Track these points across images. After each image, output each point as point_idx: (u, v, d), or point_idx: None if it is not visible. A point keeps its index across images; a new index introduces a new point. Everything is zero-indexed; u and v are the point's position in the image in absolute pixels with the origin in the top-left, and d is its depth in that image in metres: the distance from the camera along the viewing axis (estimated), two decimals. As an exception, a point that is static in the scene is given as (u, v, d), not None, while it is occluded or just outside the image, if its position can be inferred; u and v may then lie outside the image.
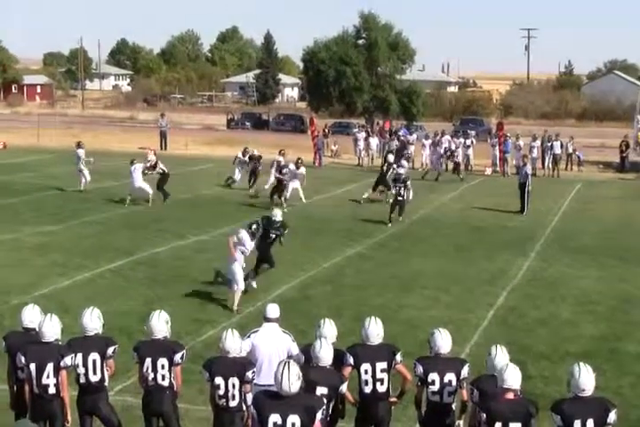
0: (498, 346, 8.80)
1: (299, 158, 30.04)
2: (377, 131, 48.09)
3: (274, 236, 17.59)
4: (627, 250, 22.95)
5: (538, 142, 41.70)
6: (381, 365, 8.96)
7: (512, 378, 7.93)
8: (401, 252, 21.88)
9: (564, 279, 19.32)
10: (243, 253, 16.20)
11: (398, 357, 9.06)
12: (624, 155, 44.09)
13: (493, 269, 20.08)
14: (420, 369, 8.82)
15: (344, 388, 8.68)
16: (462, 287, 18.25)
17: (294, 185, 29.20)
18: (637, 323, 16.02)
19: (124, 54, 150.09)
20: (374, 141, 44.41)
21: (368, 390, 9.01)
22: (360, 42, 67.11)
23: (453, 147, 39.84)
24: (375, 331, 9.09)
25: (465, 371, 8.78)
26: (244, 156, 32.71)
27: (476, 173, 40.14)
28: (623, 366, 13.54)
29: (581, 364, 7.99)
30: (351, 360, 8.98)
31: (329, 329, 9.20)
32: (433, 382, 8.76)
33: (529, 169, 29.81)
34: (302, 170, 29.62)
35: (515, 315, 16.31)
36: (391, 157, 31.75)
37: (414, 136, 45.44)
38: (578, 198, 33.29)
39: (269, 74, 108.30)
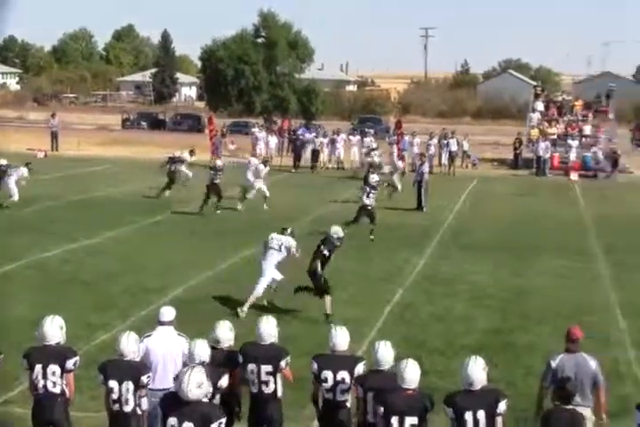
0: (382, 342, 8.87)
1: (265, 157, 29.86)
2: (276, 130, 48.15)
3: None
4: (519, 245, 23.45)
5: (434, 140, 42.31)
6: (266, 367, 8.95)
7: (411, 377, 8.06)
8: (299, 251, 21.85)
9: (459, 275, 19.63)
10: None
11: (283, 363, 9.02)
12: (517, 152, 45.05)
13: (390, 267, 20.28)
14: (314, 366, 8.87)
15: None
16: (360, 285, 18.37)
17: (259, 185, 28.64)
18: (529, 316, 16.40)
19: (12, 51, 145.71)
20: (273, 140, 44.47)
21: (255, 390, 9.00)
22: (259, 41, 67.15)
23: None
24: (267, 330, 9.08)
25: (359, 368, 8.82)
26: (191, 155, 31.85)
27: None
28: (516, 358, 13.84)
29: (472, 358, 8.18)
30: (240, 359, 8.97)
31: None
32: (326, 380, 8.80)
33: (426, 167, 30.21)
34: (267, 168, 29.21)
35: (411, 311, 16.52)
36: (377, 160, 31.90)
37: (313, 135, 45.58)
38: (473, 195, 33.89)
39: (166, 73, 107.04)
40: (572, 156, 43.25)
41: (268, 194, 28.54)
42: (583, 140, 45.52)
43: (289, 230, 16.59)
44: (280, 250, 16.11)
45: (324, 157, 41.99)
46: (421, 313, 16.41)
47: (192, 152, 31.35)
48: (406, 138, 42.26)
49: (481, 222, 27.19)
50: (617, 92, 53.28)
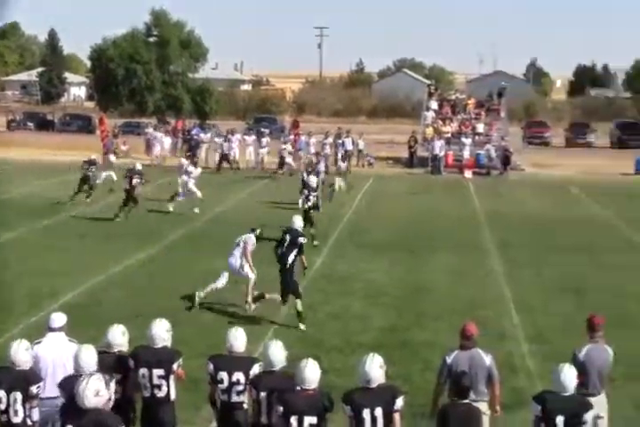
0: (273, 341, 8.81)
1: (194, 157, 29.40)
2: (170, 130, 47.66)
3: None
4: (415, 243, 23.67)
5: (330, 139, 42.41)
6: (158, 371, 8.78)
7: (311, 376, 8.01)
8: (195, 252, 21.67)
9: (356, 274, 19.70)
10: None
11: (175, 365, 8.86)
12: (412, 150, 45.50)
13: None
14: (210, 367, 8.76)
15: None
16: (258, 285, 18.19)
17: (190, 186, 28.11)
18: (425, 312, 16.54)
19: None
20: (167, 141, 44.00)
21: (147, 394, 8.82)
22: (151, 39, 66.30)
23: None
24: (158, 333, 8.92)
25: (255, 369, 8.72)
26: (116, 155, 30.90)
27: (269, 171, 40.34)
28: (412, 354, 13.94)
29: (370, 355, 8.18)
30: (131, 364, 8.80)
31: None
32: (222, 381, 8.70)
33: (322, 166, 30.26)
34: (199, 170, 28.71)
35: (308, 310, 16.44)
36: (313, 160, 31.66)
37: (208, 135, 45.27)
38: (369, 194, 34.08)
39: (54, 72, 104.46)
40: (466, 154, 43.90)
41: (200, 196, 28.22)
42: (476, 138, 46.24)
43: (257, 231, 17.10)
44: (239, 244, 16.74)
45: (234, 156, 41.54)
46: (319, 312, 16.39)
47: (115, 153, 30.63)
48: (302, 138, 42.30)
49: (377, 221, 27.37)
50: (508, 90, 54.37)
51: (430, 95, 52.24)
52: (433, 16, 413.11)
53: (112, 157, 26.94)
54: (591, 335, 9.70)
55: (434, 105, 50.36)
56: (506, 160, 42.45)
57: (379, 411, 7.93)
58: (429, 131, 46.84)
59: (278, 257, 15.73)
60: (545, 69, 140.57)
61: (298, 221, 16.29)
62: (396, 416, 8.04)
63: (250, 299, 16.26)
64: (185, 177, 28.14)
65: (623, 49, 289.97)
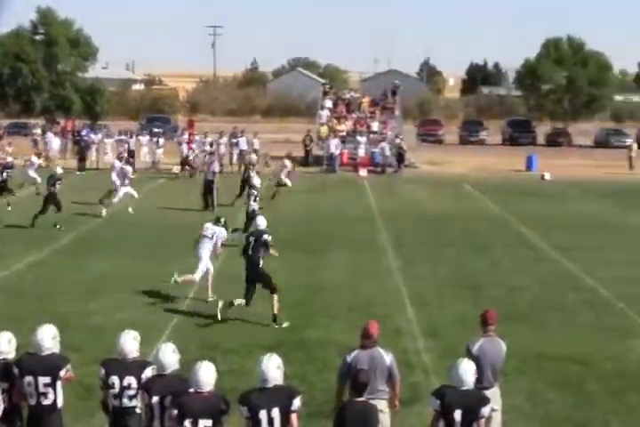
0: (164, 345, 8.68)
1: (123, 157, 28.79)
2: (59, 131, 46.72)
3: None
4: (312, 241, 23.66)
5: (224, 139, 42.17)
6: (44, 379, 8.52)
7: (206, 379, 7.91)
8: (87, 256, 21.26)
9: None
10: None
11: (63, 372, 8.62)
12: (308, 149, 45.61)
13: (183, 268, 19.87)
14: (102, 372, 8.57)
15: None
16: (154, 288, 17.99)
17: (126, 189, 27.68)
18: (322, 311, 16.54)
19: None
20: (56, 142, 43.06)
21: (33, 402, 8.55)
22: (38, 38, 64.82)
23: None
24: (42, 340, 8.62)
25: (147, 373, 8.55)
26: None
27: (164, 172, 39.91)
28: (310, 353, 13.92)
29: (267, 355, 8.11)
30: (16, 372, 8.53)
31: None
32: (113, 386, 8.51)
33: (216, 166, 30.03)
34: (130, 169, 28.33)
35: (205, 311, 16.29)
36: (254, 158, 31.59)
37: (99, 136, 44.50)
38: (265, 193, 33.90)
39: None
40: (361, 152, 44.18)
41: (136, 195, 27.99)
42: (371, 136, 46.56)
43: (222, 221, 17.66)
44: (212, 238, 17.15)
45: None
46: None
47: (39, 155, 29.90)
48: (197, 137, 41.95)
49: (274, 220, 27.05)
50: (402, 89, 54.91)
51: (325, 94, 52.42)
52: (327, 15, 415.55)
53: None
54: (484, 330, 9.80)
55: (328, 104, 50.54)
56: (400, 158, 42.87)
57: (275, 412, 7.86)
58: (324, 129, 47.01)
59: (248, 260, 15.83)
60: (438, 68, 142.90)
61: (261, 222, 16.46)
62: (293, 417, 7.99)
63: (210, 291, 17.07)
64: (115, 178, 27.98)
65: (514, 48, 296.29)
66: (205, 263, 17.17)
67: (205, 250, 17.15)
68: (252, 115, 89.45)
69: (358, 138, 44.89)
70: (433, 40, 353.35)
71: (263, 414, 7.83)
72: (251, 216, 22.91)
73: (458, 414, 8.16)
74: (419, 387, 12.00)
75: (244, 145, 42.14)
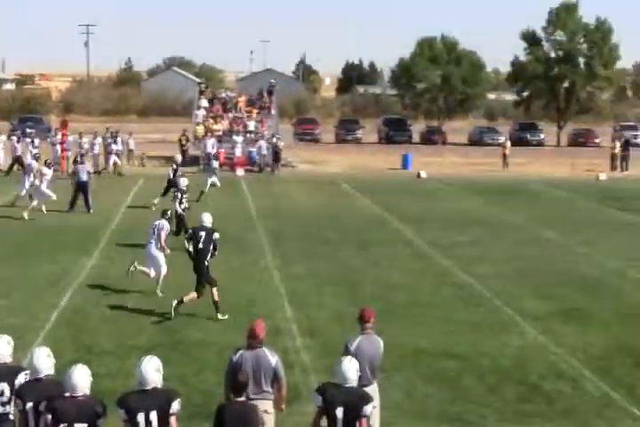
0: (37, 349, 8.47)
1: (47, 160, 27.86)
2: None
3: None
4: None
5: (99, 139, 41.44)
6: None
7: (79, 382, 7.74)
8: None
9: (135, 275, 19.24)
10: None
11: None
12: (184, 149, 45.22)
13: (57, 271, 19.55)
14: None
15: None
16: (23, 291, 17.58)
17: (43, 189, 26.94)
18: (200, 311, 16.31)
19: None
20: None
21: None
22: None
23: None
24: None
25: (20, 379, 8.33)
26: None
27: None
28: (188, 354, 13.81)
29: (147, 357, 8.01)
30: None
31: None
32: (-16, 393, 8.28)
33: (89, 167, 29.51)
34: (51, 171, 27.59)
35: (80, 315, 16.01)
36: (179, 158, 31.73)
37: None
38: (142, 194, 33.52)
39: None
40: (238, 151, 44.03)
41: (55, 198, 27.43)
42: (248, 135, 46.48)
43: (168, 213, 18.59)
44: (154, 232, 17.66)
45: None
46: (91, 316, 15.96)
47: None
48: (70, 138, 41.09)
49: (149, 221, 26.82)
50: (279, 88, 55.00)
51: (201, 93, 52.07)
52: (202, 14, 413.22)
53: None
54: (362, 327, 9.87)
55: (205, 103, 50.22)
56: (277, 157, 42.91)
57: (153, 414, 7.78)
58: (200, 129, 46.72)
59: (196, 252, 15.99)
60: (314, 67, 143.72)
61: (207, 218, 16.46)
62: (172, 420, 7.91)
63: (159, 290, 17.41)
64: (33, 179, 27.51)
65: (389, 47, 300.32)
66: (161, 258, 17.61)
67: (152, 246, 17.61)
68: (127, 115, 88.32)
69: (235, 137, 44.73)
70: (309, 39, 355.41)
71: (141, 417, 7.75)
72: (180, 218, 22.79)
73: (340, 412, 8.19)
74: (298, 386, 12.02)
75: (119, 145, 41.51)
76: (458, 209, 31.13)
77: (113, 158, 40.78)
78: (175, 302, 15.72)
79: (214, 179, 33.97)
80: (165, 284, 17.61)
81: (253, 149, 43.85)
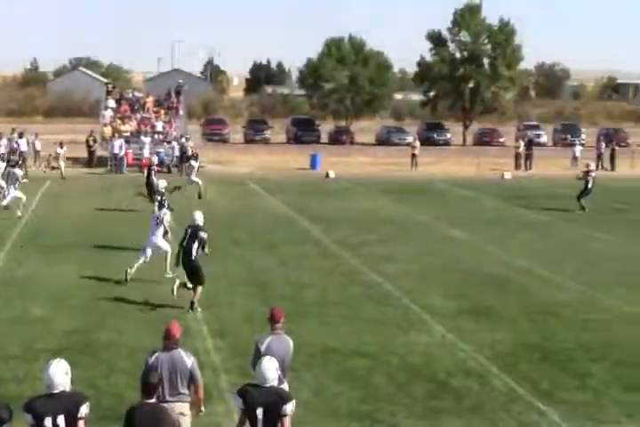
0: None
1: (14, 158, 27.19)
2: None
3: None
4: (98, 242, 23.16)
5: (4, 140, 40.73)
6: None
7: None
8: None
9: (37, 277, 19.03)
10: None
11: None
12: (92, 150, 44.70)
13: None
14: None
15: None
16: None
17: (15, 193, 26.74)
18: (111, 312, 16.28)
19: None
20: None
21: None
22: None
23: None
24: None
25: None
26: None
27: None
28: (97, 356, 13.67)
29: (55, 361, 7.96)
30: None
31: None
32: None
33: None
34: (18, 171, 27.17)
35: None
36: (155, 159, 31.83)
37: None
38: (50, 195, 33.02)
39: None
40: (146, 152, 43.68)
41: (24, 199, 27.48)
42: (156, 136, 46.12)
43: (165, 203, 20.42)
44: (157, 223, 18.95)
45: None
46: (-3, 320, 15.69)
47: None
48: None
49: (61, 222, 26.59)
50: (187, 88, 54.65)
51: (108, 94, 51.49)
52: (109, 14, 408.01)
53: None
54: (272, 327, 9.92)
55: (112, 104, 49.64)
56: (186, 158, 42.54)
57: (61, 419, 7.70)
58: (108, 130, 46.22)
59: (182, 250, 16.55)
60: (222, 67, 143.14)
61: (198, 217, 16.95)
62: (80, 424, 7.82)
63: (169, 269, 18.67)
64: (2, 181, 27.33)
65: (297, 47, 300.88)
66: (164, 243, 19.09)
67: (156, 237, 18.92)
68: (33, 115, 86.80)
69: (143, 138, 44.38)
70: (217, 40, 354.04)
71: (48, 422, 7.66)
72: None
73: (260, 412, 8.20)
74: (209, 387, 11.96)
75: (24, 146, 40.81)
76: (366, 209, 31.39)
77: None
78: (190, 306, 16.31)
79: (194, 177, 33.74)
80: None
81: (161, 150, 43.52)
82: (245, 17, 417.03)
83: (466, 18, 69.07)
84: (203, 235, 16.59)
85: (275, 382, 8.40)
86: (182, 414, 9.21)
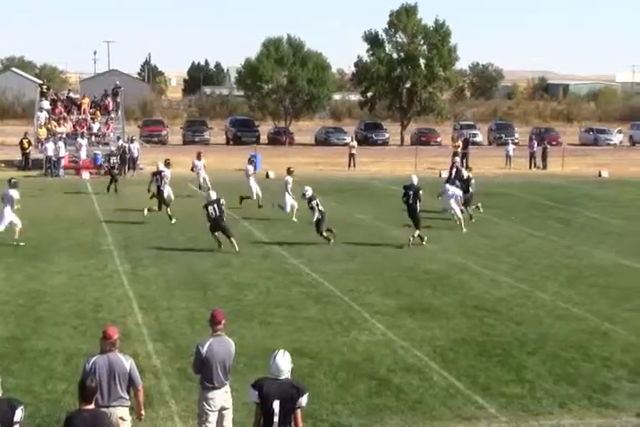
0: None
1: None
2: None
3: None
4: (36, 247, 22.90)
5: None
6: None
7: None
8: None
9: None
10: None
11: None
12: (27, 152, 44.08)
13: None
14: None
15: None
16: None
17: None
18: (46, 319, 16.05)
19: None
20: None
21: None
22: None
23: None
24: None
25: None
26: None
27: None
28: (34, 363, 13.45)
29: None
30: None
31: None
32: None
33: None
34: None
35: None
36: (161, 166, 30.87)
37: None
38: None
39: None
40: (83, 154, 43.24)
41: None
42: (93, 138, 45.65)
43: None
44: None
45: None
46: None
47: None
48: None
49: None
50: (124, 89, 54.14)
51: (42, 95, 50.80)
52: (42, 13, 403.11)
53: None
54: (213, 329, 9.87)
55: (46, 105, 49.05)
56: (124, 160, 42.22)
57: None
58: (42, 132, 45.66)
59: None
60: (160, 68, 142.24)
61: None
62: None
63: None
64: None
65: (235, 47, 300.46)
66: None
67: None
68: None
69: (79, 140, 43.89)
70: (154, 40, 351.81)
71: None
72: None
73: (276, 404, 8.30)
74: (150, 391, 11.89)
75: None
76: (306, 209, 31.30)
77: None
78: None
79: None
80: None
81: (98, 152, 43.09)
82: (183, 17, 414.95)
83: (402, 19, 69.37)
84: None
85: (289, 375, 8.51)
86: (122, 418, 9.13)
